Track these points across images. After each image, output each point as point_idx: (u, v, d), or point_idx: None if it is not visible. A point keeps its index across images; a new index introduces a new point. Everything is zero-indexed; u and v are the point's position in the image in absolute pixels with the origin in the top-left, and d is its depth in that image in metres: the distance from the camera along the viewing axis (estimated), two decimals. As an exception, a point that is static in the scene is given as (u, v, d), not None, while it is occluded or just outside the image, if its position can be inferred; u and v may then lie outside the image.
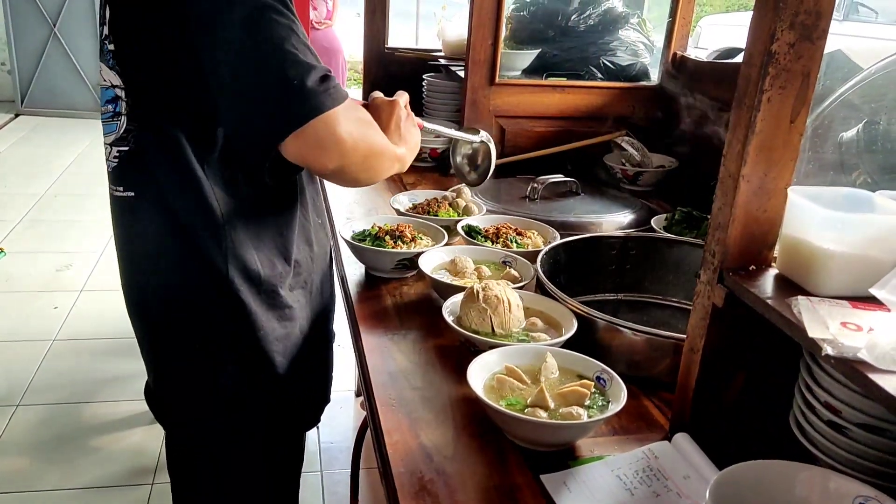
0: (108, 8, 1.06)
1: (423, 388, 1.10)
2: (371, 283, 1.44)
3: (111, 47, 1.06)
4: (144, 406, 2.90)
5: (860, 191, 0.89)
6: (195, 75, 0.98)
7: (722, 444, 0.94)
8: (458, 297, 1.23)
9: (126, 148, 1.08)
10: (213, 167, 1.05)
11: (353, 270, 1.48)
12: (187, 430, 1.24)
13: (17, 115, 6.71)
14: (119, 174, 1.10)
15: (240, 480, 1.24)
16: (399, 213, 1.65)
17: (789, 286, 0.86)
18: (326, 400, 1.33)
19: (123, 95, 1.06)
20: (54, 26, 6.59)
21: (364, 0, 2.53)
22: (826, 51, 0.86)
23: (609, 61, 2.20)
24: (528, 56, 2.27)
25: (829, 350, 0.71)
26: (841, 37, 6.15)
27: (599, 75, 2.21)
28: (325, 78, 0.96)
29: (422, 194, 1.76)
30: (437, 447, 0.97)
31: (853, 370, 0.69)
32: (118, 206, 1.13)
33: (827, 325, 0.74)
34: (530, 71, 2.27)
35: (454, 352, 1.19)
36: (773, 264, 0.92)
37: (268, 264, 1.12)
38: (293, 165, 1.01)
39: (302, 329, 1.19)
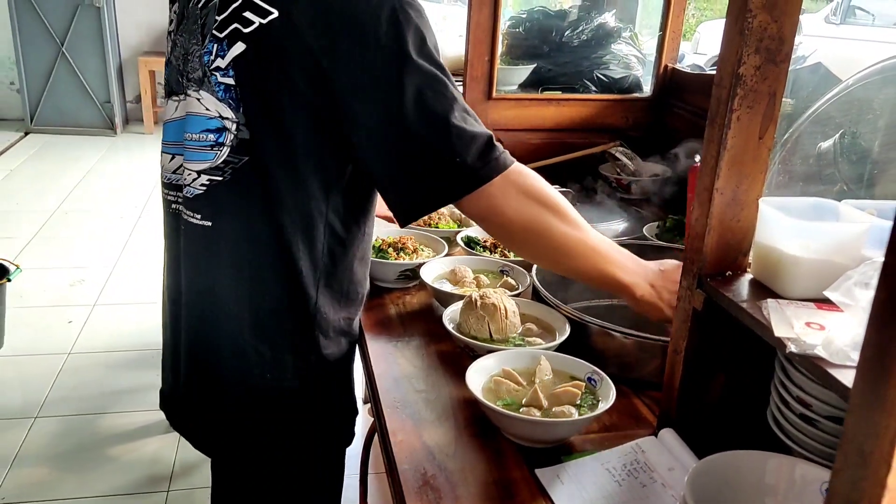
0: (239, 44, 1.04)
1: (425, 391, 1.17)
2: (375, 292, 1.52)
3: (228, 81, 1.06)
4: (159, 416, 2.97)
5: (827, 200, 0.96)
6: (338, 127, 1.04)
7: (706, 439, 1.00)
8: (457, 305, 1.30)
9: (220, 178, 1.09)
10: (325, 205, 1.10)
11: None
12: (238, 461, 1.27)
13: (26, 134, 6.82)
14: (201, 203, 1.11)
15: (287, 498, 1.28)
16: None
17: (762, 290, 0.93)
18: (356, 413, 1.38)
19: (235, 129, 1.07)
20: (62, 45, 6.71)
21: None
22: (806, 64, 0.93)
23: (602, 74, 2.28)
24: (523, 71, 2.34)
25: (792, 348, 0.77)
26: (837, 40, 6.21)
27: (593, 88, 2.29)
28: (488, 148, 1.03)
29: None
30: (440, 446, 1.04)
31: (813, 365, 0.76)
32: (191, 232, 1.14)
33: (792, 325, 0.81)
34: (526, 85, 2.34)
35: (455, 356, 1.26)
36: (748, 270, 0.98)
37: (350, 297, 1.21)
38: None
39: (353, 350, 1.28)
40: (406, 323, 1.39)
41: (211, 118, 1.08)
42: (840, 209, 0.93)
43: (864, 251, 0.88)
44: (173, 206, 1.18)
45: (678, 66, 2.23)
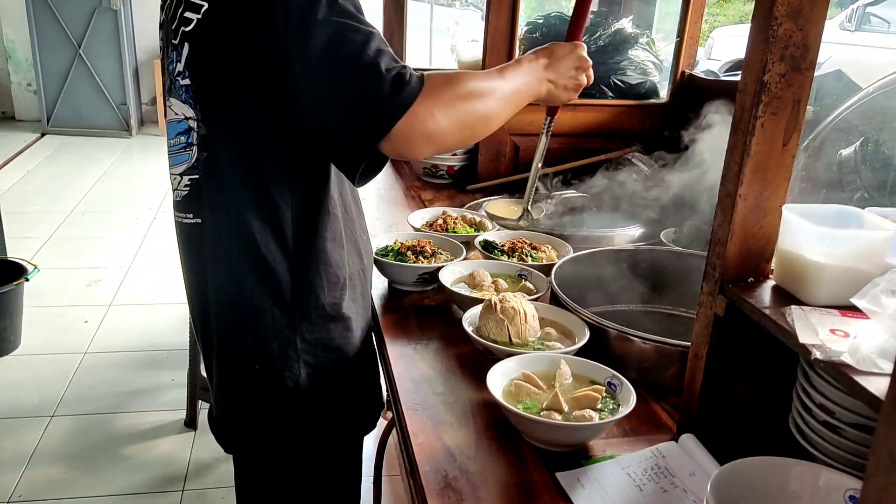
0: (185, 45, 1.12)
1: (445, 394, 1.18)
2: (394, 295, 1.53)
3: (185, 82, 1.13)
4: (174, 416, 3.00)
5: (850, 207, 0.96)
6: (278, 100, 1.07)
7: (725, 445, 1.01)
8: (476, 309, 1.31)
9: (196, 176, 1.16)
10: (294, 190, 1.14)
11: (377, 284, 1.56)
12: (253, 451, 1.29)
13: (43, 135, 6.89)
14: (188, 202, 1.18)
15: (306, 491, 1.30)
16: (415, 229, 1.73)
17: (785, 296, 0.93)
18: (381, 404, 1.40)
19: (196, 126, 1.14)
20: (79, 47, 6.78)
21: (382, 22, 2.62)
22: (825, 71, 0.93)
23: (619, 80, 2.28)
24: (541, 76, 2.34)
25: (817, 354, 0.77)
26: (853, 47, 6.18)
27: (610, 94, 2.29)
28: (399, 77, 1.03)
29: (438, 211, 1.84)
30: (460, 448, 1.04)
31: (839, 372, 0.76)
32: (185, 232, 1.22)
33: (817, 331, 0.81)
34: (543, 90, 2.34)
35: (473, 360, 1.27)
36: (770, 276, 0.99)
37: (330, 279, 1.21)
38: (375, 164, 1.11)
39: (360, 338, 1.29)
40: (424, 326, 1.40)
41: (180, 121, 1.16)
42: (863, 216, 0.93)
43: (889, 258, 0.88)
44: (175, 215, 1.25)
45: (694, 71, 2.23)
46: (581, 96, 2.29)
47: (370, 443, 2.72)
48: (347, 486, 1.37)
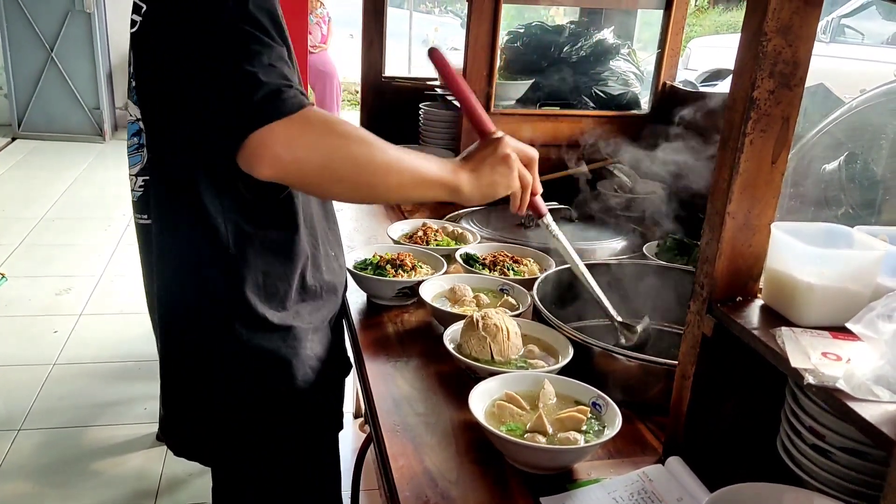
0: (132, 46, 1.16)
1: (426, 414, 1.14)
2: (373, 310, 1.49)
3: (133, 83, 1.17)
4: (145, 429, 2.92)
5: (840, 226, 0.94)
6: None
7: (713, 467, 0.98)
8: (458, 325, 1.28)
9: (147, 177, 1.19)
10: (224, 196, 1.12)
11: (356, 298, 1.53)
12: (202, 457, 1.30)
13: (13, 139, 6.76)
14: (143, 203, 1.21)
15: (285, 493, 1.29)
16: (394, 241, 1.70)
17: (774, 317, 0.91)
18: (341, 399, 1.39)
19: (144, 128, 1.17)
20: (51, 50, 6.66)
21: (362, 30, 2.59)
22: (807, 84, 0.92)
23: (601, 91, 2.27)
24: (522, 86, 2.33)
25: (810, 379, 0.75)
26: (828, 58, 6.26)
27: (591, 104, 2.28)
28: (275, 93, 0.96)
29: (418, 223, 1.81)
30: (441, 471, 1.01)
31: (833, 398, 0.74)
32: (142, 233, 1.24)
33: (808, 355, 0.79)
34: (524, 101, 2.33)
35: (455, 378, 1.24)
36: (759, 296, 0.97)
37: (276, 288, 1.18)
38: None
39: (312, 348, 1.24)
40: (405, 342, 1.37)
41: (132, 122, 1.20)
42: (854, 235, 0.92)
43: (880, 279, 0.86)
44: (133, 215, 1.26)
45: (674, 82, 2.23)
46: (563, 106, 2.30)
47: (348, 456, 2.68)
48: (326, 497, 1.34)
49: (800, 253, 0.87)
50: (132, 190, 1.23)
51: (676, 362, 1.04)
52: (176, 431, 1.30)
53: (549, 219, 1.27)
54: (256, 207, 1.14)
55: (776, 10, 0.85)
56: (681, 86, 2.26)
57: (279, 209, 1.17)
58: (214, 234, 1.12)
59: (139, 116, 1.17)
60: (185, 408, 1.26)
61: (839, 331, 0.84)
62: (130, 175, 1.22)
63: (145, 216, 1.22)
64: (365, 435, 2.02)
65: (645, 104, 2.30)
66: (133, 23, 1.14)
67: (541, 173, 2.09)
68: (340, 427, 1.37)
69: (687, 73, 7.82)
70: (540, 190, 1.21)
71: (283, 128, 0.95)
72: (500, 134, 1.15)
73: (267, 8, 1.02)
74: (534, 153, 1.18)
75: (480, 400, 1.07)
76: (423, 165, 1.08)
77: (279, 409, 1.23)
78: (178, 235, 1.16)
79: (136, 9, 1.14)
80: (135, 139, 1.21)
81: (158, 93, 1.11)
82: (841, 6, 6.89)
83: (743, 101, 0.89)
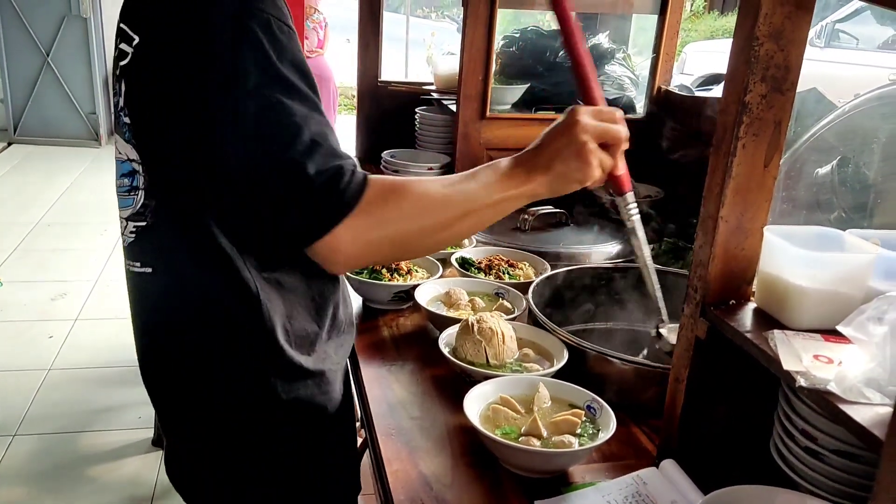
0: (122, 81, 1.00)
1: (421, 418, 1.14)
2: (369, 314, 1.49)
3: (127, 120, 1.00)
4: (140, 435, 2.92)
5: (832, 230, 0.95)
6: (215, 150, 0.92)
7: (707, 470, 0.99)
8: (453, 329, 1.28)
9: (143, 223, 1.02)
10: (242, 234, 0.98)
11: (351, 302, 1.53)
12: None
13: (9, 144, 6.74)
14: (136, 250, 1.04)
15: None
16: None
17: (767, 320, 0.92)
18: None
19: (141, 170, 1.00)
20: (47, 55, 6.66)
21: (358, 34, 2.59)
22: (801, 89, 0.92)
23: (596, 95, 2.27)
24: (517, 90, 2.34)
25: (802, 382, 0.76)
26: (823, 63, 6.29)
27: (587, 109, 2.28)
28: (330, 185, 0.88)
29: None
30: (437, 475, 1.01)
31: (824, 401, 0.74)
32: (135, 282, 1.08)
33: (800, 357, 0.80)
34: (520, 105, 2.33)
35: (450, 382, 1.24)
36: (751, 299, 0.97)
37: (304, 331, 1.06)
38: None
39: (340, 390, 1.13)
40: (400, 346, 1.37)
41: (123, 162, 1.03)
42: (845, 239, 0.92)
43: (871, 282, 0.87)
44: (125, 262, 1.10)
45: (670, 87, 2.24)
46: (558, 111, 2.29)
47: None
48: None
49: (792, 256, 0.88)
50: (122, 234, 1.06)
51: (670, 366, 1.04)
52: (192, 494, 1.16)
53: (630, 197, 1.12)
54: (273, 255, 1.03)
55: (768, 16, 0.85)
56: (676, 90, 2.26)
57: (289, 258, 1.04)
58: (234, 277, 0.98)
59: (132, 157, 1.01)
60: (201, 469, 1.12)
61: (831, 333, 0.85)
62: (121, 217, 1.05)
63: (138, 264, 1.04)
64: (361, 440, 2.02)
65: (640, 108, 2.31)
66: (122, 53, 0.99)
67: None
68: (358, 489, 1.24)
69: (683, 78, 7.85)
70: (622, 169, 1.08)
71: (347, 230, 0.89)
72: (581, 114, 0.99)
73: (291, 59, 0.91)
74: (619, 131, 1.02)
75: (475, 403, 1.07)
76: (494, 190, 0.98)
77: (312, 464, 1.11)
78: (187, 283, 1.01)
79: (123, 36, 0.99)
80: (125, 180, 1.03)
81: (171, 139, 0.96)
82: (835, 11, 6.92)
83: (735, 105, 0.89)
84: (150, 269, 1.04)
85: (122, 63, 0.99)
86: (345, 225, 0.89)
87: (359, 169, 0.93)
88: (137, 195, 1.02)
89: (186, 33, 0.91)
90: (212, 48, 0.89)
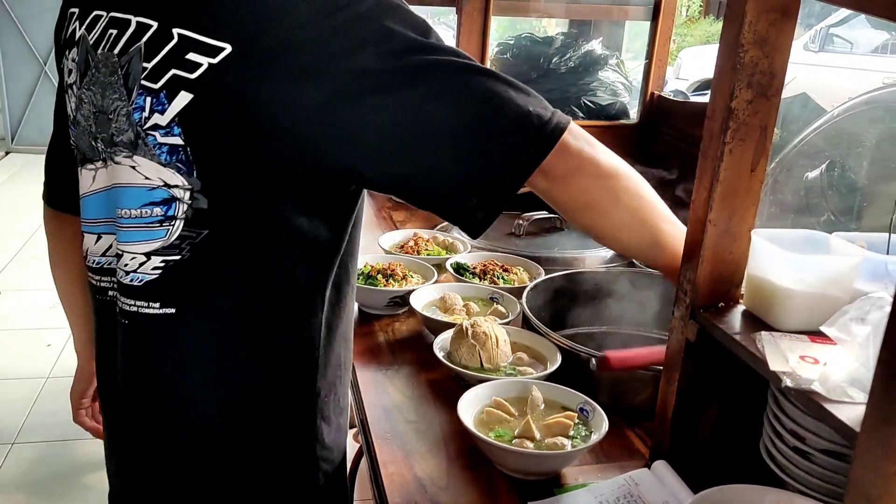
0: (181, 95, 0.84)
1: (416, 422, 1.16)
2: (364, 319, 1.50)
3: (169, 140, 0.85)
4: (139, 442, 2.88)
5: (818, 233, 0.96)
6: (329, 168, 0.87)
7: (699, 471, 1.00)
8: (448, 334, 1.29)
9: (177, 257, 0.89)
10: (314, 277, 0.93)
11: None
12: None
13: (7, 153, 6.75)
14: (154, 288, 0.91)
15: None
16: (385, 251, 1.71)
17: (755, 322, 0.93)
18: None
19: (188, 197, 0.87)
20: (45, 64, 6.67)
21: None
22: (790, 94, 0.94)
23: (590, 101, 2.30)
24: (512, 97, 2.35)
25: (787, 382, 0.77)
26: (817, 68, 6.32)
27: (581, 114, 2.30)
28: (548, 113, 0.90)
29: (409, 233, 1.83)
30: (431, 478, 1.02)
31: (810, 400, 0.75)
32: (137, 325, 0.93)
33: (787, 358, 0.81)
34: (514, 111, 2.35)
35: (445, 386, 1.25)
36: (740, 301, 0.99)
37: (340, 370, 1.03)
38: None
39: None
40: (396, 351, 1.38)
41: (153, 188, 0.88)
42: (830, 241, 0.94)
43: (857, 284, 0.88)
44: (109, 293, 0.97)
45: (663, 92, 2.26)
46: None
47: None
48: None
49: (779, 259, 0.89)
50: (131, 272, 0.91)
51: (662, 368, 1.06)
52: None
53: None
54: (346, 268, 0.97)
55: (752, 23, 0.87)
56: (670, 95, 2.29)
57: (349, 267, 0.99)
58: (305, 322, 0.93)
59: (172, 182, 0.87)
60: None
61: (817, 335, 0.86)
62: (131, 253, 0.90)
63: (157, 304, 0.91)
64: (358, 446, 2.03)
65: (634, 114, 2.33)
66: (187, 64, 0.83)
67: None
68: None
69: (678, 83, 7.89)
70: None
71: (569, 136, 0.90)
72: None
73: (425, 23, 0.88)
74: None
75: (469, 407, 1.09)
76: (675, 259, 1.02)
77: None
78: (235, 327, 0.92)
79: (198, 47, 0.83)
80: (156, 210, 0.88)
81: (259, 162, 0.86)
82: (829, 16, 6.97)
83: (722, 111, 0.91)
84: (172, 310, 0.91)
85: (188, 75, 0.84)
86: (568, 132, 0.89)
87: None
88: (173, 226, 0.88)
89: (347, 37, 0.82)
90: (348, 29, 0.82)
